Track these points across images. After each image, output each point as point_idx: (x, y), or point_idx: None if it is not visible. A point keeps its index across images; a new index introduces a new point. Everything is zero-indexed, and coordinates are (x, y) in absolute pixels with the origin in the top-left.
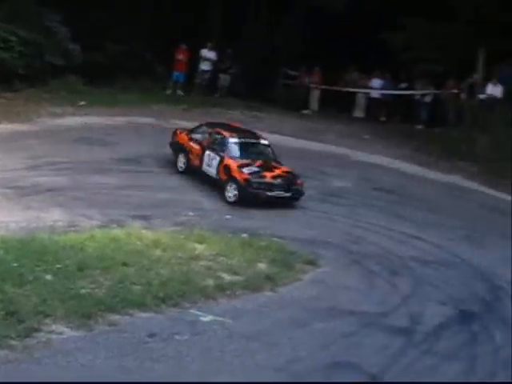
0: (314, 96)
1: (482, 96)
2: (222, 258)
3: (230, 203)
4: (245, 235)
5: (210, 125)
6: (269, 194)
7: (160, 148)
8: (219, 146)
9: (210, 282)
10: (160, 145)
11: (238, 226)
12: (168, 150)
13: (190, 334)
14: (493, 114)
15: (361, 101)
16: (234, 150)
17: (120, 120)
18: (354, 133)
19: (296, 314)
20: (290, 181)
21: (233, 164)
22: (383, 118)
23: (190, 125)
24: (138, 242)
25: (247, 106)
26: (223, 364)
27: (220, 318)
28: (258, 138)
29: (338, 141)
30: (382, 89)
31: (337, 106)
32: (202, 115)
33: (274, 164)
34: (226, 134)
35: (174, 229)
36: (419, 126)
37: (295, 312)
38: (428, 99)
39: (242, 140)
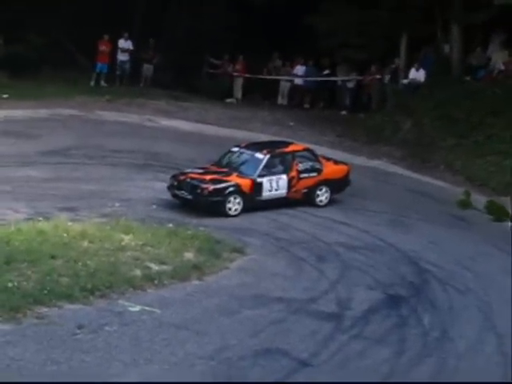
0: (238, 84)
1: (404, 81)
2: (148, 248)
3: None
4: (171, 225)
5: None
6: (176, 191)
7: (85, 139)
8: None
9: (138, 272)
10: (85, 136)
11: (164, 216)
12: (93, 141)
13: (118, 324)
14: (415, 99)
15: (284, 88)
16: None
17: (44, 112)
18: (279, 120)
19: (224, 302)
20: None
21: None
22: (307, 105)
23: (114, 116)
24: (65, 234)
25: (171, 96)
26: (153, 354)
27: (148, 308)
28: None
29: (263, 128)
30: (305, 76)
31: (261, 93)
32: (126, 106)
33: (222, 172)
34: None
35: (100, 220)
36: (343, 112)
37: (223, 300)
38: (351, 85)
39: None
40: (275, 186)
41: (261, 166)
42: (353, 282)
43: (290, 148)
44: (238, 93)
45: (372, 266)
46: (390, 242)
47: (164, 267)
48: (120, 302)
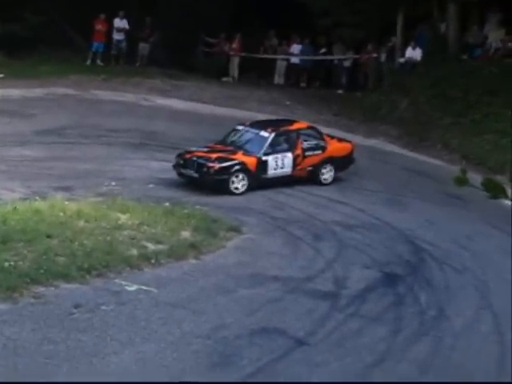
0: (234, 63)
1: (401, 60)
2: (145, 227)
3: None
4: (167, 204)
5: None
6: (182, 170)
7: (81, 119)
8: None
9: (134, 251)
10: (80, 115)
11: (160, 195)
12: (89, 121)
13: (115, 303)
14: (412, 78)
15: (281, 67)
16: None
17: (40, 91)
18: (275, 99)
19: (221, 281)
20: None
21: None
22: (303, 84)
23: (110, 95)
24: (61, 214)
25: (167, 75)
26: (149, 333)
27: (145, 287)
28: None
29: (260, 107)
30: (301, 54)
31: (257, 72)
32: (121, 85)
33: (227, 150)
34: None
35: (96, 199)
36: (339, 91)
37: (220, 279)
38: (347, 64)
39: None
40: (280, 164)
41: (266, 144)
42: (349, 261)
43: (295, 126)
44: (235, 71)
45: (368, 245)
46: (386, 220)
47: (160, 246)
48: (117, 281)
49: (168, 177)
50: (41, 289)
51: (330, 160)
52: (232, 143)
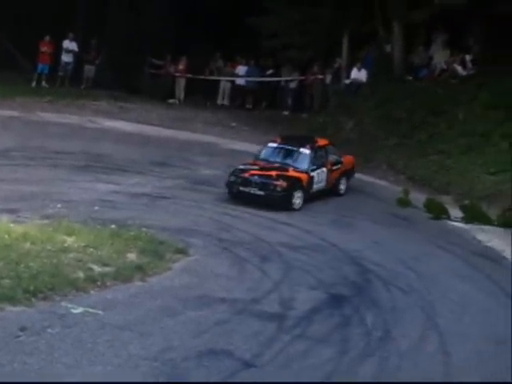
0: (180, 85)
1: (346, 81)
2: (91, 250)
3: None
4: (113, 226)
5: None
6: (241, 188)
7: (26, 141)
8: None
9: (80, 273)
10: (26, 137)
11: (106, 217)
12: (34, 143)
13: (61, 326)
14: (357, 99)
15: (225, 88)
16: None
17: None
18: (221, 121)
19: (167, 303)
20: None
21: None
22: (249, 105)
23: (55, 117)
24: (6, 236)
25: (113, 97)
26: (96, 355)
27: (91, 310)
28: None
29: (205, 129)
30: (247, 76)
31: (203, 94)
32: (67, 107)
33: (278, 167)
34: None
35: (42, 221)
36: (285, 112)
37: (167, 301)
38: (293, 85)
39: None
40: (320, 178)
41: (310, 161)
42: (296, 282)
43: (321, 142)
44: (180, 93)
45: (315, 266)
46: (332, 241)
47: (107, 269)
48: (63, 303)
49: (114, 199)
50: None
51: (345, 172)
52: (270, 160)
